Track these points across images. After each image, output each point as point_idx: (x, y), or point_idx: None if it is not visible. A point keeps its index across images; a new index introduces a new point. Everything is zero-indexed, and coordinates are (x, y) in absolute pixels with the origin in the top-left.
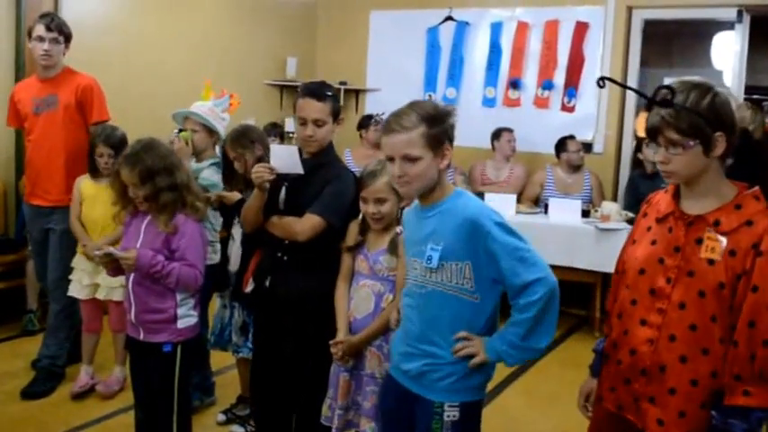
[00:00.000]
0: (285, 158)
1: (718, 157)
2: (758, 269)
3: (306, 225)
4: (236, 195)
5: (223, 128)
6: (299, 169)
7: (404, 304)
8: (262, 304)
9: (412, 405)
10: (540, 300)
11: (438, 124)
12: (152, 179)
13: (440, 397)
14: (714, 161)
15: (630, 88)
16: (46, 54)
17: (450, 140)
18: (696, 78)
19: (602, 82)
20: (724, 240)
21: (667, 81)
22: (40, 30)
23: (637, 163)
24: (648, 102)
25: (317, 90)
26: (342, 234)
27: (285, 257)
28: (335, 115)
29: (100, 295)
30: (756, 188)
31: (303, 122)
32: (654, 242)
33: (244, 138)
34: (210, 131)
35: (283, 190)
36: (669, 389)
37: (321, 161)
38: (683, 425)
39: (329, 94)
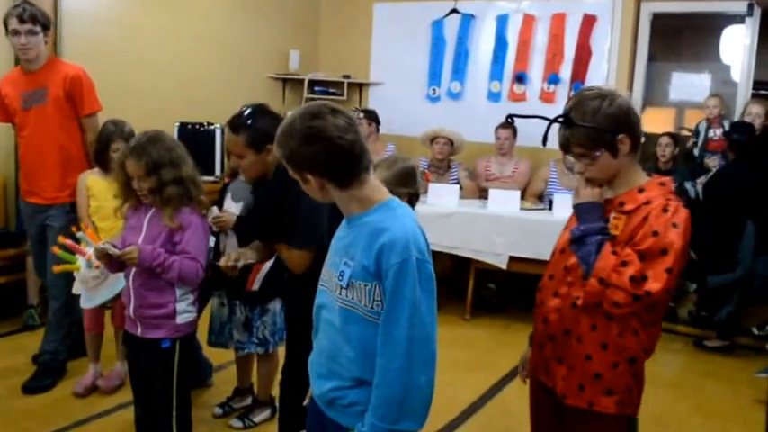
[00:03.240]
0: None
1: (627, 154)
2: (641, 233)
3: (295, 262)
4: (232, 218)
5: None
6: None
7: (321, 317)
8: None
9: (326, 429)
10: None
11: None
12: (157, 172)
13: (353, 421)
14: (624, 158)
15: (528, 116)
16: (24, 48)
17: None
18: (591, 89)
19: (510, 119)
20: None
21: (675, 76)
22: (13, 23)
23: (645, 157)
24: (547, 127)
25: (233, 122)
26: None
27: (286, 275)
28: (256, 144)
29: None
30: (666, 177)
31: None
32: None
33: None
34: None
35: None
36: (586, 355)
37: (272, 184)
38: (599, 386)
39: (246, 123)
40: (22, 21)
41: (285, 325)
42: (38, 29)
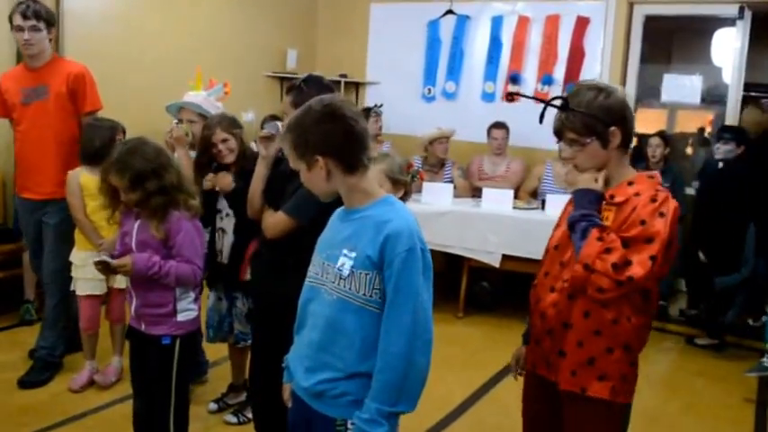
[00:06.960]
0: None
1: (617, 148)
2: (629, 221)
3: (272, 222)
4: (228, 180)
5: None
6: None
7: (309, 311)
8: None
9: (312, 423)
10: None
11: None
12: (141, 184)
13: (341, 413)
14: (614, 151)
15: (529, 97)
16: (27, 43)
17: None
18: (590, 81)
19: (510, 96)
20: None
21: (666, 78)
22: (17, 19)
23: (638, 158)
24: (544, 107)
25: (293, 84)
26: (315, 233)
27: (263, 251)
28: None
29: (121, 285)
30: (654, 171)
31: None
32: None
33: (236, 124)
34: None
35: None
36: (578, 341)
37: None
38: (592, 371)
39: (297, 84)
40: (25, 17)
41: (255, 321)
42: (41, 25)
